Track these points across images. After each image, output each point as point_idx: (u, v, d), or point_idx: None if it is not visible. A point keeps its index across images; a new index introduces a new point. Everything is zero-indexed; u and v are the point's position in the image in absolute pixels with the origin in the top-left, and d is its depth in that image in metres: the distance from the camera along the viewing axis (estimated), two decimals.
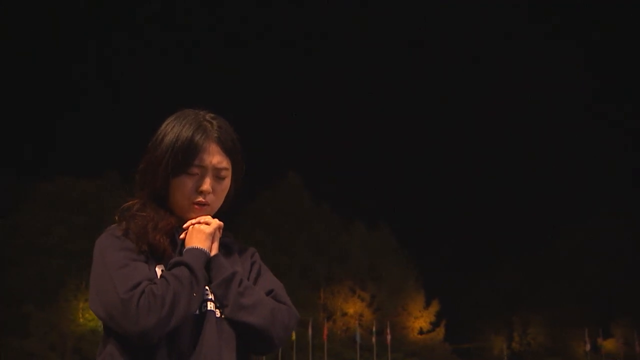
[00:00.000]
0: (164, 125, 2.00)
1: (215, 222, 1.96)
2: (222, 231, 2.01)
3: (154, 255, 1.88)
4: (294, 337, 44.13)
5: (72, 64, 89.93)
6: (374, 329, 47.79)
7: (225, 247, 2.03)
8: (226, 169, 1.98)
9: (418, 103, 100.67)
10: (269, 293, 1.97)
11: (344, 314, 52.85)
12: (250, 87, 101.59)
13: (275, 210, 54.02)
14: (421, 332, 54.92)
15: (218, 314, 1.88)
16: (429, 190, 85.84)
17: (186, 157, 1.91)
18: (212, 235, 1.94)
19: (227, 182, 2.01)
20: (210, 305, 1.87)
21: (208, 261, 1.91)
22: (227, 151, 1.99)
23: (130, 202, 2.00)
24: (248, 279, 2.00)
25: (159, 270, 1.86)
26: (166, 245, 1.89)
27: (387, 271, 53.98)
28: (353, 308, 52.89)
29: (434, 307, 55.40)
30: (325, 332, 46.16)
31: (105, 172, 41.57)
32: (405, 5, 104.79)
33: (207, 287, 1.89)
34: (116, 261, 1.82)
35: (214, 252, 1.93)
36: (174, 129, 1.95)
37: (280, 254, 52.20)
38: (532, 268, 57.65)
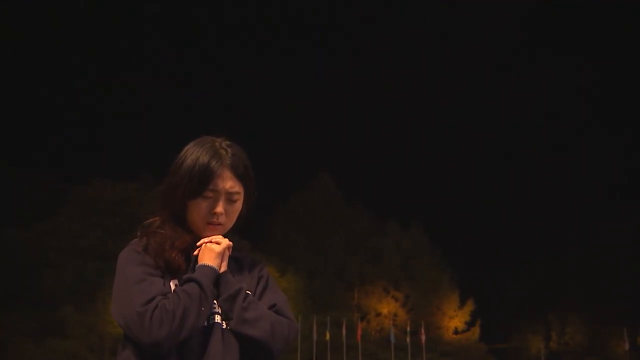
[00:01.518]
0: (183, 151, 2.20)
1: (225, 242, 2.15)
2: (239, 243, 2.23)
3: (170, 270, 2.10)
4: (327, 337, 44.24)
5: (102, 71, 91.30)
6: (408, 329, 47.58)
7: (236, 261, 2.24)
8: (238, 193, 2.18)
9: (451, 102, 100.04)
10: (272, 307, 2.15)
11: (378, 314, 52.75)
12: (282, 89, 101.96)
13: (307, 211, 54.17)
14: (456, 332, 54.51)
15: (224, 326, 2.07)
16: (463, 189, 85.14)
17: (202, 182, 2.12)
18: (222, 254, 2.13)
19: (238, 205, 2.20)
20: (218, 318, 2.07)
21: (217, 277, 2.10)
22: (240, 177, 2.17)
23: (152, 219, 2.21)
24: (255, 292, 2.19)
25: (173, 285, 2.07)
26: (181, 262, 2.10)
27: (420, 271, 53.72)
28: (387, 308, 52.75)
29: (469, 307, 54.96)
30: (359, 332, 46.10)
31: (140, 175, 42.19)
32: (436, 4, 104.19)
33: (215, 301, 2.08)
34: (135, 275, 2.03)
35: (222, 269, 2.12)
36: (192, 155, 2.15)
37: (313, 254, 52.35)
38: (570, 266, 56.77)
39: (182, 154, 2.19)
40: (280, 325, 2.08)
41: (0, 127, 70.15)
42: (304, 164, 73.07)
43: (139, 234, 2.17)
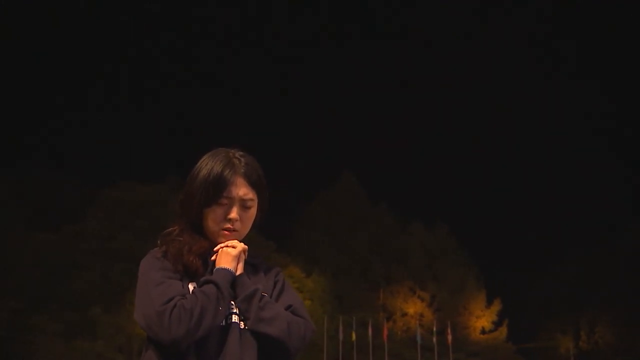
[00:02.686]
0: (199, 162, 2.32)
1: (241, 246, 2.26)
2: (254, 252, 2.33)
3: (188, 274, 2.21)
4: (354, 337, 44.21)
5: (132, 74, 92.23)
6: (434, 329, 47.44)
7: (253, 267, 2.35)
8: (252, 199, 2.29)
9: (476, 102, 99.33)
10: (288, 308, 2.25)
11: (404, 314, 52.64)
12: (305, 89, 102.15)
13: (332, 211, 54.26)
14: (483, 331, 54.21)
15: (242, 325, 2.16)
16: (488, 188, 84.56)
17: (216, 190, 2.23)
18: (238, 257, 2.24)
19: (253, 211, 2.32)
20: (235, 318, 2.17)
21: (234, 279, 2.20)
22: (253, 184, 2.29)
23: (171, 228, 2.33)
24: (271, 295, 2.29)
25: (191, 287, 2.17)
26: (198, 266, 2.22)
27: (446, 271, 53.52)
28: (413, 308, 52.62)
29: (496, 307, 54.61)
30: (386, 332, 46.04)
31: (167, 177, 42.58)
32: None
33: (232, 302, 2.18)
34: (155, 279, 2.14)
35: (239, 271, 2.23)
36: (207, 166, 2.28)
37: (338, 254, 52.39)
38: (599, 264, 56.03)
39: (197, 165, 2.31)
40: (297, 325, 2.17)
41: (27, 130, 71.23)
42: (327, 164, 73.25)
43: (159, 242, 2.29)
